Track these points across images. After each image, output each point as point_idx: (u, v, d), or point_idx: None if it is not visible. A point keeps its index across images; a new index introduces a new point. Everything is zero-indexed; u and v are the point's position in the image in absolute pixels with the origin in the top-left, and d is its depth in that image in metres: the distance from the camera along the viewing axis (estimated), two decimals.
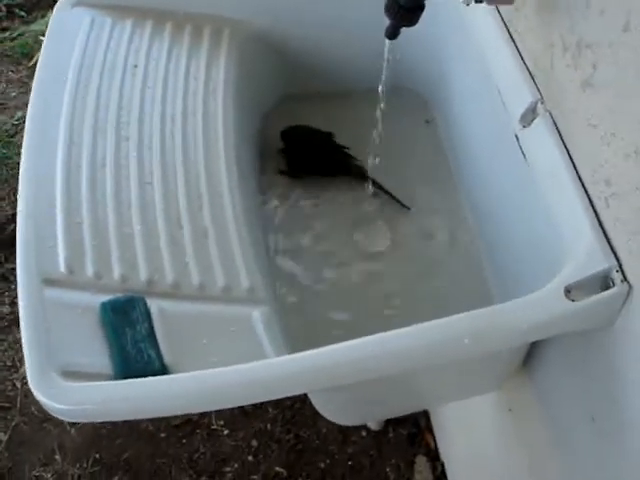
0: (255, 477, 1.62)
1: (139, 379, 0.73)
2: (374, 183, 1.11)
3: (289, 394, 0.74)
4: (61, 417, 0.73)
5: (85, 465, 1.63)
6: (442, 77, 1.11)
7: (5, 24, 2.20)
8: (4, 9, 2.22)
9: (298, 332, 0.93)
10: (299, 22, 1.12)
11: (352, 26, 1.12)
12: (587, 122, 0.74)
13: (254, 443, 1.66)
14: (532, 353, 0.94)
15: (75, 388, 0.72)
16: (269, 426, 1.68)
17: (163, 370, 0.77)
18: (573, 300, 0.72)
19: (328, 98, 1.19)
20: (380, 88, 0.94)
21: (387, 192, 1.11)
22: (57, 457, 1.64)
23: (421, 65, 1.13)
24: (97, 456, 1.64)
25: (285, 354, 0.82)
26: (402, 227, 1.09)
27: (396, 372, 0.75)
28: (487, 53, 0.92)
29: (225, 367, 0.72)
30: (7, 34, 2.18)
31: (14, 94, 2.06)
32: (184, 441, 1.67)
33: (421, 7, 0.80)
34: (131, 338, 0.79)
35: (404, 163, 1.15)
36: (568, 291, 0.72)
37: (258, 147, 1.14)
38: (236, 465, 1.64)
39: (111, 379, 0.76)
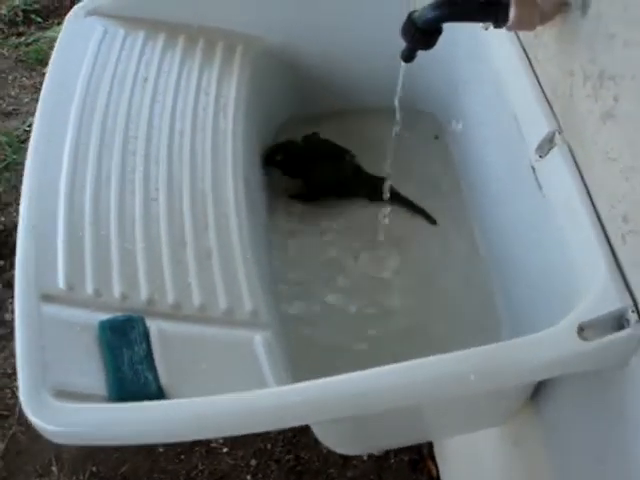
0: None
1: (132, 403, 0.71)
2: (397, 198, 1.09)
3: (287, 426, 0.72)
4: (51, 439, 0.71)
5: (82, 478, 1.61)
6: (457, 100, 1.09)
7: (21, 29, 2.20)
8: (21, 14, 2.22)
9: (301, 358, 0.91)
10: (313, 39, 1.10)
11: (366, 44, 1.10)
12: (606, 155, 0.71)
13: (253, 462, 1.64)
14: (540, 387, 0.91)
15: (66, 409, 0.70)
16: (269, 446, 1.65)
17: (159, 394, 0.75)
18: (585, 339, 0.69)
19: (340, 116, 1.18)
20: (397, 113, 0.91)
21: (414, 205, 1.09)
22: (54, 469, 1.62)
23: (436, 86, 1.11)
24: (94, 469, 1.62)
25: (286, 381, 0.80)
26: (413, 253, 1.07)
27: (398, 406, 0.73)
28: (505, 79, 0.90)
29: (222, 395, 0.70)
30: (22, 39, 2.17)
31: (27, 100, 2.06)
32: (182, 457, 1.64)
33: (439, 31, 0.78)
34: (128, 359, 0.77)
35: (416, 189, 1.13)
36: (581, 329, 0.69)
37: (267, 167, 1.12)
38: None
39: (105, 401, 0.74)
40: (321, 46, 1.11)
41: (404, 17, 0.79)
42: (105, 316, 0.79)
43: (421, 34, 0.77)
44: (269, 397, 0.71)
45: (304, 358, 0.92)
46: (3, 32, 2.21)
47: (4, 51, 2.17)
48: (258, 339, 0.82)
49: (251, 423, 0.70)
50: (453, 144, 1.14)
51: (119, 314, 0.80)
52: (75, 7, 1.02)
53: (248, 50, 1.07)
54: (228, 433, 0.72)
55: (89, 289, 0.81)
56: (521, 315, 0.92)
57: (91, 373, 0.75)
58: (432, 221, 1.09)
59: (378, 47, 1.04)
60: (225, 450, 1.65)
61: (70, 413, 0.70)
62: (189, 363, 0.79)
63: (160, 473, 1.62)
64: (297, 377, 0.87)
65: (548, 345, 0.69)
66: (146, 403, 0.71)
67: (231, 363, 0.80)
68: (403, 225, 1.09)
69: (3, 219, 1.91)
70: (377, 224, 1.08)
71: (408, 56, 0.81)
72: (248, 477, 1.62)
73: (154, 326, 0.80)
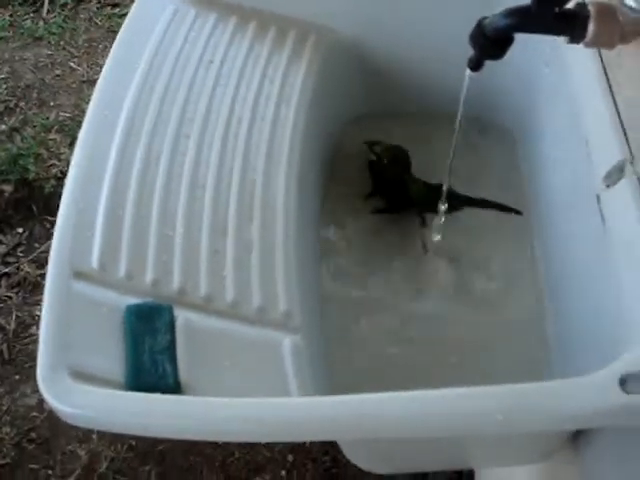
0: None
1: (144, 394, 0.69)
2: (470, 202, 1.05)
3: (302, 440, 0.69)
4: (62, 418, 0.70)
5: (119, 449, 1.62)
6: (531, 113, 1.03)
7: (117, 0, 2.23)
8: None
9: (334, 370, 0.88)
10: (387, 36, 1.06)
11: (444, 43, 1.04)
12: None
13: (290, 458, 1.61)
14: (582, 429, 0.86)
15: (79, 391, 0.69)
16: (308, 443, 1.62)
17: (175, 388, 0.73)
18: (628, 392, 0.63)
19: (409, 119, 1.13)
20: (458, 118, 0.87)
21: (495, 204, 1.05)
22: (94, 437, 1.63)
23: (510, 98, 1.06)
24: (132, 443, 1.62)
25: (309, 391, 0.77)
26: (467, 272, 1.02)
27: (417, 436, 0.68)
28: (580, 98, 0.84)
29: (234, 399, 0.67)
30: (117, 10, 2.20)
31: None
32: (221, 443, 1.63)
33: (509, 40, 0.72)
34: (149, 348, 0.75)
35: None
36: (624, 381, 0.64)
37: (326, 166, 1.08)
38: (268, 477, 1.59)
39: (121, 387, 0.72)
40: (395, 44, 1.06)
41: None
42: (134, 300, 0.78)
43: (490, 43, 0.72)
44: (283, 408, 0.68)
45: (337, 370, 0.89)
46: (99, 2, 2.24)
47: (98, 20, 2.20)
48: (287, 343, 0.79)
49: (260, 433, 0.67)
50: (522, 159, 1.08)
51: (148, 300, 0.79)
52: None
53: (320, 41, 1.03)
54: (235, 439, 0.69)
55: (121, 271, 0.79)
56: (570, 350, 0.87)
57: (111, 357, 0.74)
58: (517, 212, 1.05)
59: (454, 50, 0.99)
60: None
61: (82, 395, 0.69)
62: (212, 359, 0.76)
63: (196, 455, 1.62)
64: (321, 387, 0.84)
65: (585, 394, 0.63)
66: (157, 396, 0.69)
67: (255, 364, 0.77)
68: (459, 241, 1.04)
69: None
70: (428, 238, 1.03)
71: (475, 65, 0.76)
72: (283, 472, 1.59)
73: (182, 317, 0.78)
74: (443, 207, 0.99)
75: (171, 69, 0.94)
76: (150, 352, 0.74)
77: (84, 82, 2.04)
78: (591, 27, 0.69)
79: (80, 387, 0.70)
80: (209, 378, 0.75)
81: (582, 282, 0.83)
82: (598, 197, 0.76)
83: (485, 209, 1.06)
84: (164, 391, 0.72)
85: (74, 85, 2.05)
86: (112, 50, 0.95)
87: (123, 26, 0.97)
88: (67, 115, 1.98)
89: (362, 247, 1.05)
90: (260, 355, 0.78)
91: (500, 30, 0.71)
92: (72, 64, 2.09)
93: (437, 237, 1.03)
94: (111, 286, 0.78)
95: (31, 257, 1.84)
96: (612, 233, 0.74)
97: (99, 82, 0.92)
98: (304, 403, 0.69)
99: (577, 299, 0.84)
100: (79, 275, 0.78)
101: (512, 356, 0.94)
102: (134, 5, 1.00)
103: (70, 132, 1.91)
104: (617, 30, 0.69)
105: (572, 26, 0.70)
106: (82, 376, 0.71)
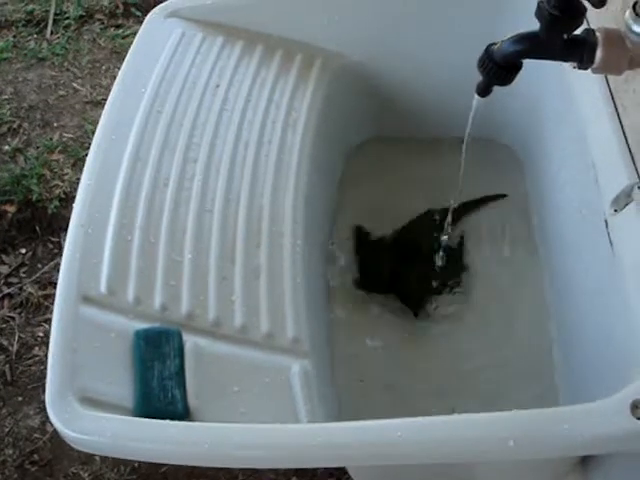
0: None
1: (152, 420, 0.69)
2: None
3: (311, 466, 0.69)
4: (70, 443, 0.70)
5: (122, 471, 1.60)
6: (538, 138, 1.04)
7: (120, 22, 2.23)
8: (121, 7, 2.25)
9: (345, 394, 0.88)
10: (395, 61, 1.06)
11: (451, 69, 1.05)
12: None
13: None
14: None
15: (88, 417, 0.69)
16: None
17: (184, 414, 0.73)
18: (639, 418, 0.63)
19: (417, 143, 1.13)
20: (465, 142, 0.87)
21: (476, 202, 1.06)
22: (97, 458, 1.62)
23: (517, 122, 1.06)
24: (136, 465, 1.61)
25: (318, 416, 0.77)
26: (478, 292, 1.02)
27: (427, 462, 0.68)
28: (587, 123, 0.84)
29: (241, 425, 0.67)
30: (120, 31, 2.20)
31: None
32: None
33: (517, 67, 0.73)
34: (158, 373, 0.75)
35: (485, 222, 1.08)
36: (635, 407, 0.64)
37: (334, 191, 1.08)
38: None
39: (130, 413, 0.72)
40: (402, 69, 1.07)
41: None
42: (142, 325, 0.78)
43: (498, 69, 0.72)
44: (291, 434, 0.67)
45: (348, 394, 0.89)
46: (102, 23, 2.25)
47: (101, 41, 2.20)
48: (296, 368, 0.79)
49: (274, 459, 0.67)
50: (529, 182, 1.08)
51: (157, 324, 0.78)
52: (157, 7, 1.02)
53: (326, 66, 1.04)
54: (244, 465, 0.69)
55: (130, 296, 0.79)
56: (581, 377, 0.86)
57: (120, 383, 0.74)
58: (501, 196, 1.07)
59: (462, 75, 0.99)
60: None
61: (91, 421, 0.69)
62: (220, 384, 0.76)
63: (200, 478, 1.61)
64: (334, 411, 0.84)
65: (596, 420, 0.63)
66: (165, 422, 0.68)
67: (264, 389, 0.77)
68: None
69: None
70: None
71: (484, 90, 0.76)
72: None
73: (190, 342, 0.78)
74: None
75: (178, 93, 0.95)
76: (159, 378, 0.74)
77: (87, 103, 2.04)
78: (599, 53, 0.69)
79: (88, 413, 0.70)
80: (218, 404, 0.74)
81: (592, 309, 0.82)
82: (606, 222, 0.76)
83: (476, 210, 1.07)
84: (173, 417, 0.72)
85: (77, 106, 2.05)
86: (119, 73, 0.96)
87: (130, 49, 0.98)
88: (70, 136, 1.97)
89: None
90: (269, 380, 0.78)
91: (509, 56, 0.71)
92: (75, 85, 2.09)
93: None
94: (119, 311, 0.78)
95: (34, 278, 1.83)
96: (621, 257, 0.74)
97: (107, 105, 0.92)
98: (313, 429, 0.69)
99: (587, 326, 0.84)
100: (87, 300, 0.78)
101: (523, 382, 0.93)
102: (141, 28, 1.01)
103: (73, 153, 1.90)
104: (625, 56, 0.69)
105: (580, 52, 0.70)
106: (90, 401, 0.71)
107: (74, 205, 0.85)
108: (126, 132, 0.90)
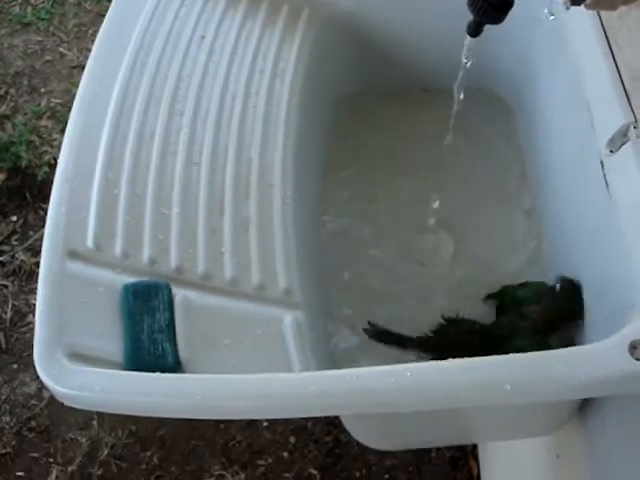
0: (287, 475, 1.56)
1: (142, 374, 0.68)
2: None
3: (305, 415, 0.68)
4: (61, 400, 0.69)
5: (120, 435, 1.61)
6: (529, 82, 1.01)
7: None
8: None
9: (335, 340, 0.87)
10: (385, 9, 1.03)
11: (441, 17, 1.03)
12: None
13: (292, 440, 1.60)
14: (589, 399, 0.84)
15: (77, 372, 0.68)
16: (310, 425, 1.61)
17: (175, 367, 0.72)
18: (638, 359, 0.62)
19: (407, 95, 1.11)
20: (456, 89, 0.85)
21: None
22: (94, 423, 1.62)
23: (507, 67, 1.04)
24: (133, 428, 1.61)
25: (311, 366, 0.76)
26: (469, 237, 1.01)
27: (423, 409, 0.67)
28: (581, 64, 0.82)
29: (232, 375, 0.66)
30: None
31: None
32: (222, 426, 1.62)
33: (509, 4, 0.71)
34: (148, 327, 0.73)
35: (480, 173, 1.06)
36: (634, 347, 0.63)
37: (324, 141, 1.06)
38: (270, 460, 1.58)
39: (120, 367, 0.71)
40: (391, 19, 1.04)
41: None
42: (131, 279, 0.76)
43: (489, 6, 0.70)
44: (287, 383, 0.66)
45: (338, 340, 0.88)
46: None
47: (86, 5, 2.17)
48: (288, 319, 0.78)
49: (265, 409, 0.66)
50: (522, 129, 1.06)
51: (145, 278, 0.77)
52: None
53: (314, 16, 1.01)
54: (240, 416, 0.68)
55: (117, 250, 0.78)
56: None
57: (109, 337, 0.72)
58: None
59: (452, 24, 0.97)
60: (265, 424, 1.62)
61: (80, 376, 0.68)
62: (212, 337, 0.75)
63: (198, 440, 1.61)
64: (323, 361, 0.83)
65: (595, 361, 0.62)
66: (155, 375, 0.67)
67: (256, 341, 0.76)
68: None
69: None
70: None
71: (475, 30, 0.74)
72: (285, 454, 1.59)
73: (180, 295, 0.76)
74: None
75: (163, 45, 0.92)
76: (149, 331, 0.73)
77: (74, 68, 2.01)
78: None
79: (78, 368, 0.68)
80: (209, 356, 0.73)
81: (590, 250, 0.81)
82: (602, 163, 0.75)
83: None
84: (164, 370, 0.70)
85: (64, 71, 2.02)
86: (101, 29, 0.93)
87: (112, 4, 0.95)
88: (58, 101, 1.95)
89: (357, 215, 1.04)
90: (260, 332, 0.77)
91: None
92: (62, 49, 2.06)
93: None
94: (107, 265, 0.77)
95: (26, 245, 1.82)
96: (617, 198, 0.73)
97: (89, 61, 0.90)
98: (305, 378, 0.67)
99: (583, 265, 0.83)
100: (74, 255, 0.76)
101: None
102: None
103: (62, 118, 1.88)
104: None
105: None
106: (80, 357, 0.70)
107: (58, 161, 0.83)
108: (110, 85, 0.88)
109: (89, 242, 0.77)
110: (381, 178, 1.06)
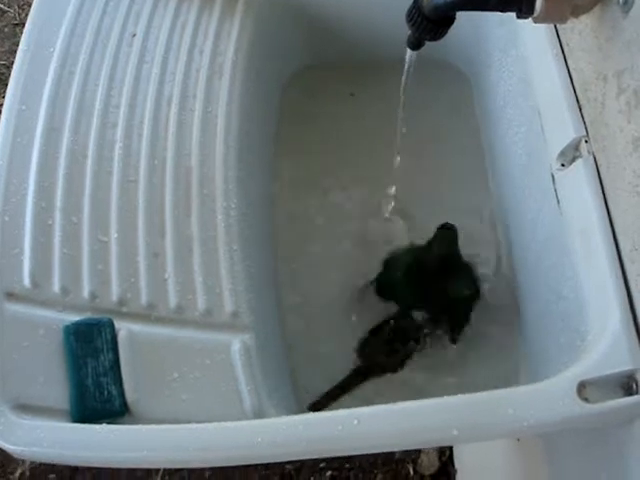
0: None
1: (92, 426, 0.66)
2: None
3: (254, 462, 0.67)
4: (12, 454, 0.67)
5: None
6: (486, 65, 0.97)
7: None
8: None
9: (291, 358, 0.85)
10: None
11: None
12: (634, 188, 0.61)
13: None
14: None
15: (24, 426, 0.66)
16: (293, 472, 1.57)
17: (123, 410, 0.70)
18: (586, 399, 0.61)
19: (355, 69, 1.06)
20: (402, 86, 0.80)
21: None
22: None
23: (466, 44, 0.98)
24: None
25: (263, 395, 0.75)
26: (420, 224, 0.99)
27: (373, 452, 0.66)
28: (531, 63, 0.78)
29: (183, 425, 0.65)
30: None
31: None
32: None
33: (450, 20, 0.66)
34: (92, 370, 0.71)
35: (435, 149, 1.02)
36: (582, 386, 0.61)
37: (271, 131, 1.02)
38: None
39: (67, 415, 0.69)
40: None
41: None
42: (72, 317, 0.74)
43: (428, 23, 0.66)
44: (229, 433, 0.65)
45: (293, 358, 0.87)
46: None
47: None
48: (236, 345, 0.76)
49: (209, 460, 0.65)
50: (477, 102, 1.02)
51: (87, 315, 0.74)
52: None
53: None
54: (186, 466, 0.67)
55: (56, 286, 0.75)
56: (533, 338, 0.84)
57: (54, 383, 0.70)
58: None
59: None
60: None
61: (27, 431, 0.66)
62: (159, 372, 0.73)
63: None
64: (284, 384, 0.82)
65: (542, 404, 0.61)
66: (100, 428, 0.66)
67: (205, 373, 0.74)
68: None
69: None
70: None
71: (414, 44, 0.70)
72: None
73: (124, 329, 0.74)
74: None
75: (91, 49, 0.86)
76: (93, 375, 0.71)
77: (17, 25, 1.91)
78: (539, 1, 0.62)
79: (24, 422, 0.67)
80: (157, 394, 0.72)
81: (541, 260, 0.79)
82: (553, 177, 0.72)
83: None
84: (111, 415, 0.69)
85: (6, 29, 1.92)
86: (23, 35, 0.87)
87: (33, 5, 0.88)
88: (3, 63, 1.86)
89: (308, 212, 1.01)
90: (209, 362, 0.75)
91: (440, 9, 0.64)
92: (2, 6, 1.95)
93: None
94: (47, 304, 0.74)
95: None
96: (567, 216, 0.70)
97: (13, 73, 0.85)
98: (253, 426, 0.66)
99: (537, 279, 0.81)
100: (11, 296, 0.73)
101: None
102: None
103: (6, 81, 1.79)
104: (568, 3, 0.63)
105: (519, 1, 0.63)
106: (25, 408, 0.68)
107: None
108: (37, 101, 0.82)
109: (26, 281, 0.74)
110: (333, 165, 1.03)
